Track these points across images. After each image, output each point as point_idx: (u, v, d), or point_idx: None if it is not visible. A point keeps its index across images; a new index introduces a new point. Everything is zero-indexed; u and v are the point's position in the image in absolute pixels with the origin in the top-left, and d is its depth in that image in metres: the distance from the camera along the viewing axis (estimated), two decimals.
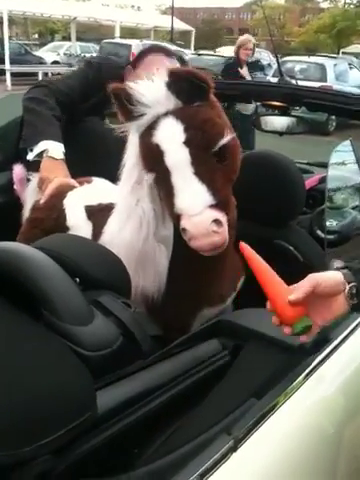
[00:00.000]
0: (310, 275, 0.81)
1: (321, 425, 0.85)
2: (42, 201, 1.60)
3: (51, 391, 0.61)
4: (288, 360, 0.85)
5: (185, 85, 1.05)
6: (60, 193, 1.57)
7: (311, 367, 0.84)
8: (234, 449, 0.68)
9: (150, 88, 1.09)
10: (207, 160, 1.07)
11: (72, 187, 1.58)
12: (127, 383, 0.77)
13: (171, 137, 1.07)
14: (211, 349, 0.91)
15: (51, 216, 1.53)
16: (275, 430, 0.75)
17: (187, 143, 1.06)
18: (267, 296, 0.83)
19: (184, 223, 1.04)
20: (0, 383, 0.58)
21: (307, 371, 0.83)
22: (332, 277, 0.82)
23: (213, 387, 0.83)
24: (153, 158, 1.10)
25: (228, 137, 1.08)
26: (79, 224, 1.47)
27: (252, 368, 0.86)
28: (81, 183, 1.60)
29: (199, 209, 1.03)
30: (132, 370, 0.79)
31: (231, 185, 1.14)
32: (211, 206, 1.04)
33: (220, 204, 1.06)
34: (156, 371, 0.82)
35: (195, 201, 1.04)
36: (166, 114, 1.07)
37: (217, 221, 1.04)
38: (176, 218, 1.08)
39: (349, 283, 0.81)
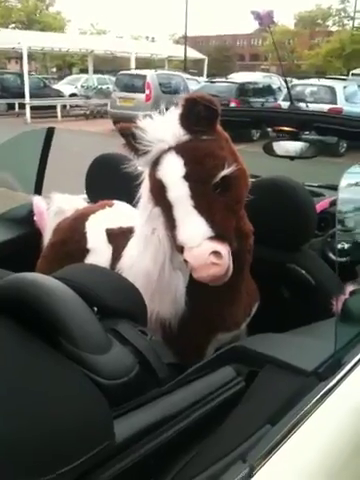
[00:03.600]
0: None
1: (337, 450, 0.84)
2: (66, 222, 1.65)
3: (70, 420, 0.63)
4: (303, 385, 0.85)
5: (199, 111, 1.09)
6: (83, 216, 1.62)
7: (325, 392, 0.84)
8: (250, 476, 0.68)
9: (154, 125, 1.14)
10: (207, 193, 1.10)
11: (94, 210, 1.63)
12: (144, 411, 0.78)
13: (172, 172, 1.11)
14: (226, 376, 0.91)
15: (73, 238, 1.58)
16: (290, 457, 0.75)
17: (186, 177, 1.10)
18: None
19: (185, 255, 1.08)
20: (21, 412, 0.60)
21: (321, 396, 0.83)
22: None
23: (228, 414, 0.83)
24: (157, 192, 1.14)
25: (229, 169, 1.11)
26: (100, 247, 1.51)
27: (267, 394, 0.87)
28: (103, 206, 1.65)
29: (198, 241, 1.06)
30: (149, 398, 0.80)
31: (235, 215, 1.16)
32: (210, 238, 1.07)
33: (220, 236, 1.08)
34: (172, 399, 0.83)
35: (194, 233, 1.08)
36: (169, 149, 1.12)
37: (216, 253, 1.06)
38: (180, 250, 1.12)
39: None
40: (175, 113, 1.15)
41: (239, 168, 1.16)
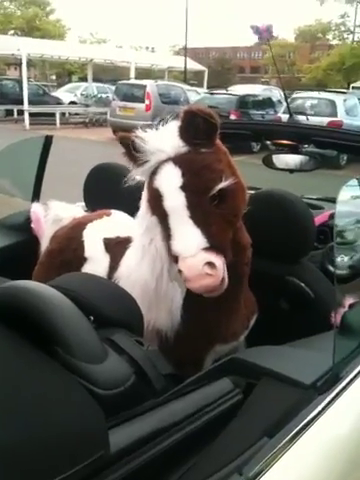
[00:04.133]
0: None
1: (335, 464, 0.84)
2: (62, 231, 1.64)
3: (64, 429, 0.62)
4: (301, 398, 0.85)
5: (198, 124, 1.10)
6: (80, 224, 1.62)
7: (323, 405, 0.84)
8: None
9: (154, 136, 1.14)
10: (203, 204, 1.10)
11: (92, 219, 1.63)
12: (139, 422, 0.77)
13: (169, 181, 1.12)
14: (223, 388, 0.91)
15: (70, 247, 1.57)
16: (288, 470, 0.74)
17: (183, 188, 1.10)
18: None
19: (180, 265, 1.08)
20: (14, 420, 0.60)
21: (319, 409, 0.83)
22: None
23: (225, 426, 0.83)
24: (154, 201, 1.15)
25: (226, 182, 1.11)
26: (97, 256, 1.51)
27: (264, 407, 0.86)
28: (100, 215, 1.65)
29: (193, 252, 1.06)
30: (144, 409, 0.80)
31: (232, 227, 1.16)
32: (205, 249, 1.07)
33: (215, 247, 1.08)
34: (168, 410, 0.82)
35: (189, 244, 1.07)
36: (167, 160, 1.12)
37: (211, 264, 1.06)
38: (175, 260, 1.11)
39: None
40: (175, 125, 1.15)
41: (236, 182, 1.16)
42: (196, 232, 1.08)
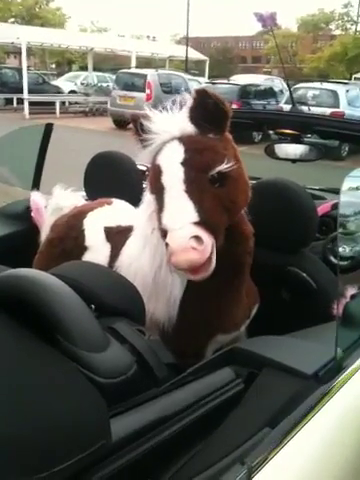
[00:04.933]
0: None
1: (337, 454, 0.84)
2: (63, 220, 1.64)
3: (65, 418, 0.62)
4: (302, 388, 0.84)
5: (207, 104, 1.09)
6: (81, 213, 1.61)
7: (325, 395, 0.84)
8: (248, 479, 0.67)
9: (163, 117, 1.13)
10: (201, 181, 1.08)
11: (93, 208, 1.62)
12: (141, 411, 0.77)
13: (170, 157, 1.11)
14: (225, 377, 0.91)
15: (71, 235, 1.56)
16: (289, 459, 0.74)
17: (184, 163, 1.09)
18: None
19: (167, 238, 1.05)
20: (15, 409, 0.59)
21: (321, 399, 0.82)
22: None
23: (227, 416, 0.82)
24: (154, 178, 1.13)
25: (227, 165, 1.10)
26: (97, 245, 1.50)
27: (266, 397, 0.86)
28: (101, 204, 1.64)
29: (181, 224, 1.04)
30: (146, 398, 0.79)
31: (228, 213, 1.13)
32: (195, 223, 1.04)
33: (206, 223, 1.05)
34: (170, 399, 0.82)
35: (178, 216, 1.05)
36: (172, 139, 1.12)
37: (198, 238, 1.03)
38: (163, 235, 1.08)
39: None
40: (185, 108, 1.15)
41: (239, 173, 1.15)
42: (188, 205, 1.05)
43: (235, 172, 1.13)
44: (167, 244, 1.05)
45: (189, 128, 1.12)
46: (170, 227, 1.05)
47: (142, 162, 1.28)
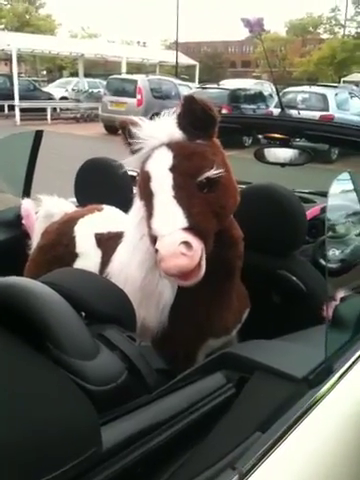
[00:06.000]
0: None
1: (328, 457, 0.84)
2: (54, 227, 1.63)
3: (56, 426, 0.61)
4: (293, 392, 0.85)
5: (195, 110, 1.10)
6: (71, 219, 1.61)
7: (316, 399, 0.84)
8: None
9: (151, 124, 1.14)
10: (189, 187, 1.09)
11: (83, 214, 1.62)
12: (132, 418, 0.77)
13: (159, 163, 1.11)
14: (216, 382, 0.91)
15: (61, 242, 1.56)
16: (280, 464, 0.74)
17: (172, 169, 1.10)
18: None
19: (157, 244, 1.05)
20: (4, 416, 0.59)
21: (311, 403, 0.83)
22: None
23: (218, 421, 0.82)
24: (143, 184, 1.14)
25: (216, 171, 1.10)
26: (88, 251, 1.50)
27: (257, 401, 0.86)
28: (92, 210, 1.64)
29: (171, 229, 1.04)
30: (137, 405, 0.79)
31: (217, 218, 1.14)
32: (185, 229, 1.04)
33: (195, 229, 1.06)
34: (161, 406, 0.82)
35: (168, 222, 1.05)
36: (161, 145, 1.12)
37: (187, 244, 1.03)
38: (153, 241, 1.09)
39: None
40: (173, 116, 1.16)
41: (228, 178, 1.16)
42: (177, 211, 1.06)
43: (224, 177, 1.13)
44: (157, 250, 1.05)
45: (177, 134, 1.12)
46: (159, 233, 1.05)
47: (131, 168, 1.28)
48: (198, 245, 1.05)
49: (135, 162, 1.19)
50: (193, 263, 1.04)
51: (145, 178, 1.13)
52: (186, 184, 1.08)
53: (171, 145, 1.12)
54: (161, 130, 1.13)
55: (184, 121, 1.12)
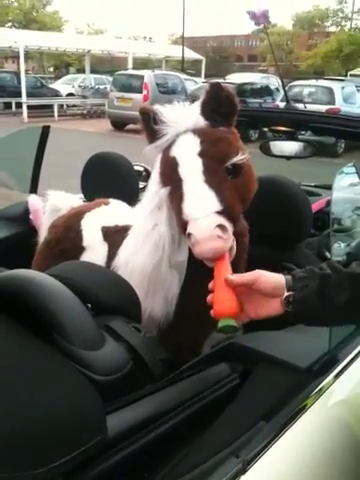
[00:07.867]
0: (256, 270, 0.84)
1: (331, 447, 0.85)
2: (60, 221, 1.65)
3: (62, 414, 0.63)
4: (297, 382, 0.85)
5: (221, 97, 1.11)
6: (78, 214, 1.62)
7: (320, 389, 0.85)
8: (243, 472, 0.68)
9: (175, 111, 1.16)
10: (219, 171, 1.11)
11: (90, 208, 1.63)
12: (137, 407, 0.78)
13: (187, 148, 1.13)
14: (221, 373, 0.91)
15: (68, 236, 1.57)
16: (284, 453, 0.75)
17: (201, 154, 1.11)
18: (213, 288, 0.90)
19: (189, 228, 1.06)
20: (14, 405, 0.60)
21: (316, 393, 0.83)
22: (274, 279, 0.84)
23: (223, 410, 0.83)
24: (169, 170, 1.14)
25: (242, 156, 1.13)
26: (95, 245, 1.51)
27: (261, 391, 0.87)
28: (98, 204, 1.65)
29: (205, 213, 1.05)
30: (142, 394, 0.80)
31: (242, 203, 1.16)
32: (218, 212, 1.06)
33: (228, 212, 1.07)
34: (166, 395, 0.83)
35: (202, 205, 1.07)
36: (186, 131, 1.14)
37: (222, 227, 1.04)
38: (183, 226, 1.10)
39: (289, 290, 0.81)
40: (196, 103, 1.17)
41: (249, 164, 1.18)
42: (210, 195, 1.07)
43: (247, 164, 1.16)
44: (190, 234, 1.06)
45: (201, 121, 1.14)
46: (193, 217, 1.06)
47: (150, 155, 1.27)
48: (231, 229, 1.08)
49: (156, 149, 1.20)
50: (228, 245, 1.06)
51: (171, 164, 1.14)
52: (216, 169, 1.10)
53: (196, 131, 1.13)
54: (186, 116, 1.15)
55: (208, 108, 1.13)
